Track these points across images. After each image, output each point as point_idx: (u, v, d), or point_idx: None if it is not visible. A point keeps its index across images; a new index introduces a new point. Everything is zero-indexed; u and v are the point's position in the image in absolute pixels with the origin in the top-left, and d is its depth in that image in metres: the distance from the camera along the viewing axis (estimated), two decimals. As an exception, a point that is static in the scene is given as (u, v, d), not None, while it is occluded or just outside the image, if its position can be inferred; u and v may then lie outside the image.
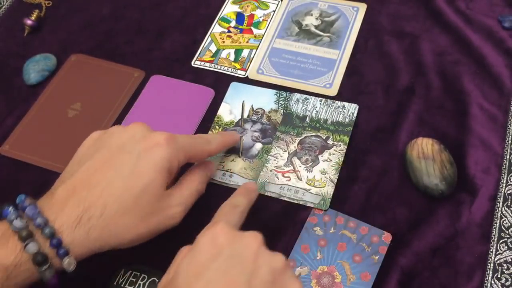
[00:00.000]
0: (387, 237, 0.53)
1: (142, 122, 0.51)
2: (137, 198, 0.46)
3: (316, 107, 0.63)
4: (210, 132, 0.62)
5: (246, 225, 0.54)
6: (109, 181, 0.45)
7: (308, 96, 0.64)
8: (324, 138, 0.61)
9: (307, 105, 0.63)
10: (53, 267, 0.43)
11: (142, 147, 0.47)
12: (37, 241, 0.43)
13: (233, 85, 0.66)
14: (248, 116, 0.64)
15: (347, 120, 0.62)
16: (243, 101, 0.65)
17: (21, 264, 0.42)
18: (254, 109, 0.64)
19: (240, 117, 0.64)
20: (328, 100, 0.64)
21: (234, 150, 0.61)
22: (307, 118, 0.62)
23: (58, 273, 0.44)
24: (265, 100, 0.65)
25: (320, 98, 0.64)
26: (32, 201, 0.45)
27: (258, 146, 0.61)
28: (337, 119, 0.62)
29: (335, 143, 0.60)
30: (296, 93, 0.65)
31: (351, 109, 0.62)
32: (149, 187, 0.46)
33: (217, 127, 0.63)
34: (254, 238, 0.42)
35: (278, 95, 0.65)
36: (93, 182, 0.45)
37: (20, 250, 0.42)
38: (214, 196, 0.56)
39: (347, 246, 0.51)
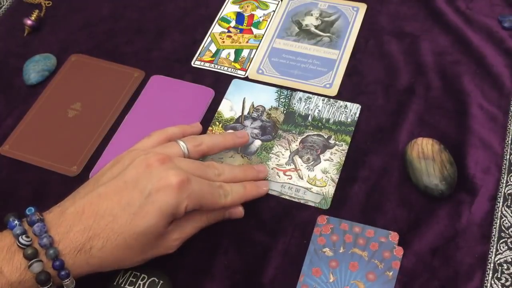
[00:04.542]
0: (394, 237, 0.52)
1: (163, 154, 0.50)
2: (138, 236, 0.47)
3: (319, 106, 0.63)
4: (209, 129, 0.62)
5: (246, 221, 0.54)
6: (115, 216, 0.46)
7: (310, 95, 0.64)
8: (326, 137, 0.61)
9: (309, 104, 0.63)
10: (55, 284, 0.45)
11: (154, 187, 0.47)
12: (41, 261, 0.44)
13: (235, 82, 0.66)
14: (248, 113, 0.64)
15: (349, 120, 0.62)
16: (244, 98, 0.65)
17: (25, 281, 0.44)
18: (255, 106, 0.64)
19: (241, 114, 0.64)
20: (331, 99, 0.64)
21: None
22: (309, 117, 0.62)
23: None
24: (266, 97, 0.65)
25: (322, 98, 0.64)
26: (40, 217, 0.46)
27: (257, 143, 0.61)
28: (339, 119, 0.62)
29: (337, 142, 0.60)
30: (298, 92, 0.65)
31: (353, 109, 0.62)
32: (151, 228, 0.47)
33: (217, 123, 0.63)
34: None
35: (279, 93, 0.65)
36: (100, 212, 0.46)
37: (25, 268, 0.44)
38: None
39: (359, 265, 0.50)
